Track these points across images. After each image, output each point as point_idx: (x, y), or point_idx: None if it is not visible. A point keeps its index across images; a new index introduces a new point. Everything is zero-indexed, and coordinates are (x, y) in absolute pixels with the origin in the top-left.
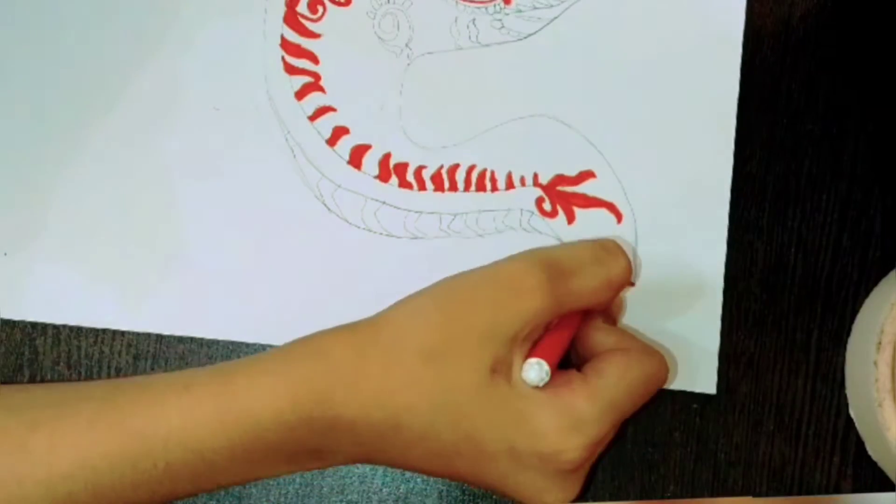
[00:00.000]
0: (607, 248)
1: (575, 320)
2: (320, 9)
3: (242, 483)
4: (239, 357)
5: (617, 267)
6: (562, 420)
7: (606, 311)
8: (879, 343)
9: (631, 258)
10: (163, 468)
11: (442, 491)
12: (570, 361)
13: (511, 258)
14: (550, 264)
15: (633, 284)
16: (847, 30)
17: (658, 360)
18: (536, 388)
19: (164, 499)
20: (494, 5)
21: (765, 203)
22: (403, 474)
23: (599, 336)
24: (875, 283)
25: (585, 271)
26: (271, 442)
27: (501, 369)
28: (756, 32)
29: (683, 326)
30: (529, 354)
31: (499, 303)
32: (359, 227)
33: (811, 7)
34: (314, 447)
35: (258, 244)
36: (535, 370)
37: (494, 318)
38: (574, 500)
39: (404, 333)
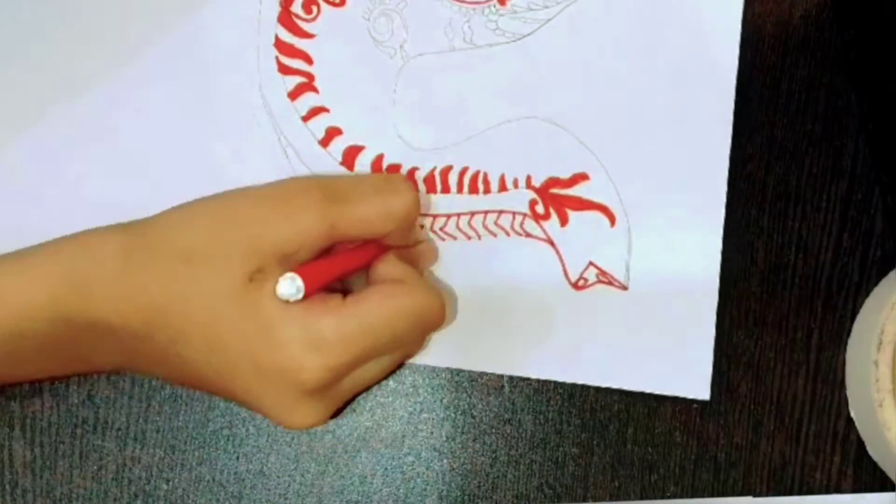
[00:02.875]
0: (391, 181)
1: (360, 254)
2: (315, 9)
3: (17, 380)
4: None
5: (398, 200)
6: (304, 336)
7: (407, 255)
8: (880, 343)
9: (418, 197)
10: None
11: (442, 491)
12: None
13: (292, 178)
14: (328, 188)
15: (626, 288)
16: (847, 30)
17: (431, 297)
18: (288, 303)
19: None
20: (489, 6)
21: (765, 203)
22: (403, 474)
23: (382, 267)
24: (875, 282)
25: (364, 200)
26: (31, 337)
27: (258, 279)
28: (756, 32)
29: (677, 331)
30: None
31: (269, 218)
32: None
33: (811, 7)
34: (76, 348)
35: None
36: (287, 284)
37: (262, 232)
38: (317, 425)
39: (171, 234)
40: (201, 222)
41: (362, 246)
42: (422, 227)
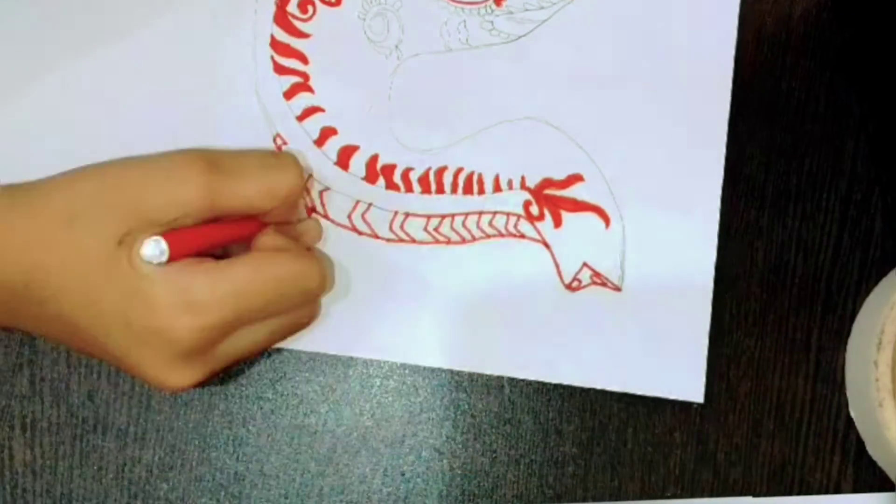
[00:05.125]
0: (278, 157)
1: (238, 226)
2: (311, 9)
3: None
4: None
5: (283, 177)
6: (175, 297)
7: (289, 231)
8: (879, 343)
9: (304, 177)
10: None
11: (442, 491)
12: None
13: (180, 150)
14: (213, 161)
15: (619, 289)
16: (847, 30)
17: (307, 264)
18: (155, 266)
19: None
20: (485, 7)
21: (765, 203)
22: (403, 474)
23: (263, 239)
24: (875, 282)
25: (248, 175)
26: None
27: (128, 241)
28: (756, 32)
29: (671, 333)
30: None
31: (149, 185)
32: (345, 228)
33: (811, 6)
34: None
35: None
36: (150, 246)
37: (140, 197)
38: (191, 387)
39: (55, 195)
40: (83, 186)
41: (242, 219)
42: (311, 208)
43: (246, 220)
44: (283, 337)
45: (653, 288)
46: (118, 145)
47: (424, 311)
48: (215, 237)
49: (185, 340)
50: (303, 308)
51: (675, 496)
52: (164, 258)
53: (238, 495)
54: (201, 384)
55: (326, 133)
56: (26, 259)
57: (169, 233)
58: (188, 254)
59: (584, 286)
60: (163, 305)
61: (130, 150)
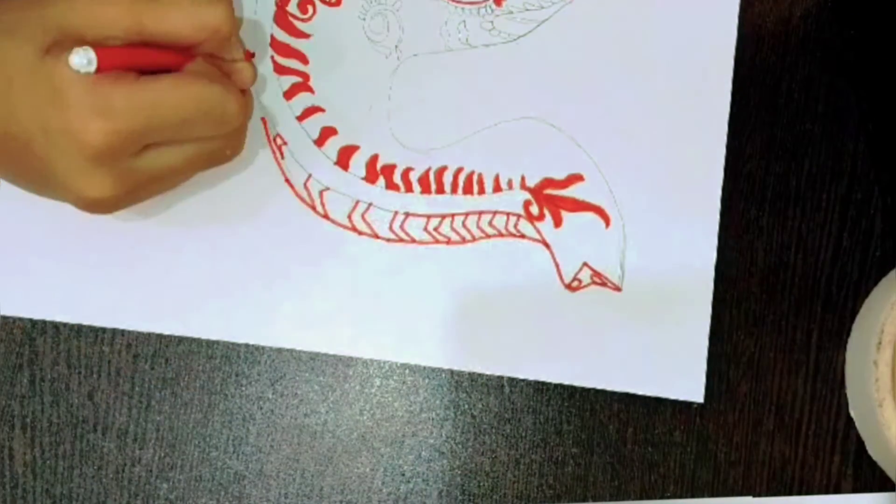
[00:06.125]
0: None
1: (169, 54)
2: (310, 9)
3: None
4: (238, 359)
5: (212, 11)
6: (92, 101)
7: (221, 66)
8: (879, 343)
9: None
10: None
11: (442, 491)
12: None
13: None
14: None
15: (619, 289)
16: (847, 30)
17: (227, 92)
18: (81, 74)
19: None
20: (485, 6)
21: (765, 203)
22: (403, 474)
23: (190, 66)
24: (875, 282)
25: (179, 5)
26: None
27: (55, 52)
28: (756, 32)
29: (671, 333)
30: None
31: (76, 2)
32: (345, 228)
33: (811, 7)
34: None
35: (248, 245)
36: (80, 55)
37: (66, 12)
38: (108, 200)
39: None
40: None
41: (174, 49)
42: (251, 53)
43: (178, 49)
44: (203, 166)
45: (653, 288)
46: None
47: (424, 311)
48: (144, 57)
49: (95, 143)
50: (222, 138)
51: (675, 496)
52: (92, 68)
53: (238, 495)
54: (122, 203)
55: (326, 133)
56: None
57: (105, 49)
58: (115, 67)
59: (584, 286)
60: (77, 107)
61: None
